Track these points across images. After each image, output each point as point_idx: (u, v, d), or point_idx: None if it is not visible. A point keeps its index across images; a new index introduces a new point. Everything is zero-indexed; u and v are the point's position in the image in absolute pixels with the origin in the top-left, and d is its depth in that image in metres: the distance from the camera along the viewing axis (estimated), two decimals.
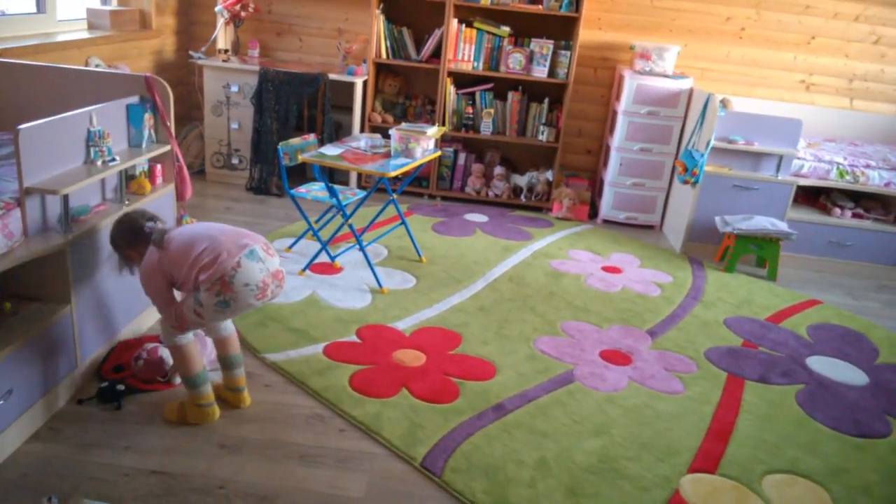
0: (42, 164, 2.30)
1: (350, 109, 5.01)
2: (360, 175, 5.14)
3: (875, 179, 4.53)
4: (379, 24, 4.94)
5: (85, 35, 4.10)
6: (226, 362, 2.50)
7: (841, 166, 4.52)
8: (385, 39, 5.00)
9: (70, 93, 2.87)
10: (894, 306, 4.21)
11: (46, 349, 2.29)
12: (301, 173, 5.07)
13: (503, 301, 3.61)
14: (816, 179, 4.55)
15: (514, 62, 4.96)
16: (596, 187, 5.42)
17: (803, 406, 2.91)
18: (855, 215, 4.65)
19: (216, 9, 5.03)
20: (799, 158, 4.49)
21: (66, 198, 2.34)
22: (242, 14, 5.05)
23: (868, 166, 4.53)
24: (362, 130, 5.11)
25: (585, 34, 5.11)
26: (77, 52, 3.91)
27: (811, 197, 4.85)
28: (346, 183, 5.06)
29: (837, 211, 4.64)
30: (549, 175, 5.17)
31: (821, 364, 3.30)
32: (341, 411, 2.53)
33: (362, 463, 2.28)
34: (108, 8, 4.46)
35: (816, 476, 2.46)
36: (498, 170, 5.25)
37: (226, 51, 5.11)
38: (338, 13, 5.30)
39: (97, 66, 3.91)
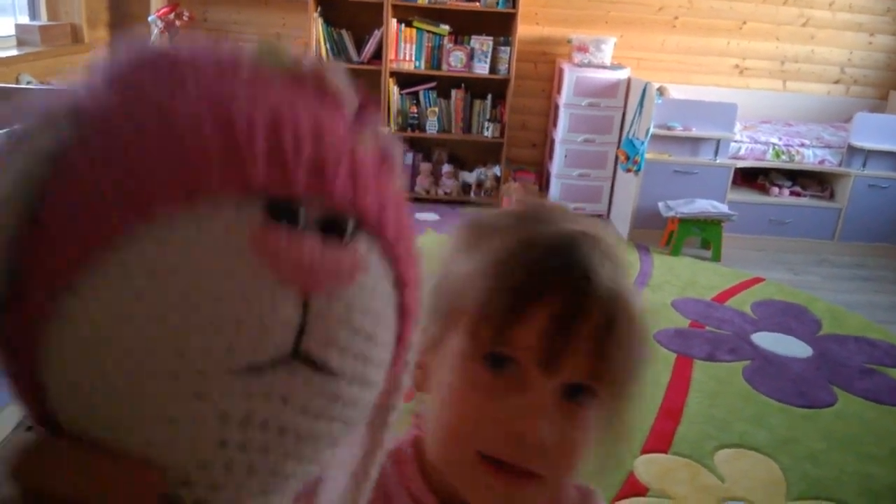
0: None
1: None
2: None
3: (810, 157, 4.68)
4: (317, 26, 4.92)
5: (14, 52, 4.00)
6: None
7: (777, 146, 4.66)
8: (324, 42, 4.98)
9: None
10: (834, 279, 4.35)
11: None
12: None
13: None
14: (754, 161, 4.68)
15: (455, 60, 4.99)
16: (543, 180, 5.48)
17: (750, 381, 3.00)
18: (792, 193, 4.80)
19: (149, 19, 4.94)
20: (736, 141, 4.62)
21: None
22: (177, 23, 4.98)
23: (803, 145, 4.68)
24: None
25: (524, 29, 5.16)
26: (6, 70, 3.81)
27: (749, 178, 4.99)
28: None
29: (775, 190, 4.78)
30: (496, 170, 5.22)
31: (765, 339, 3.41)
32: None
33: None
34: (37, 23, 4.35)
35: (765, 448, 2.54)
36: (446, 168, 5.27)
37: None
38: (275, 17, 5.26)
39: (28, 82, 3.82)
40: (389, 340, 0.39)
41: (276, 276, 0.32)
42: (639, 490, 2.26)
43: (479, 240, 0.61)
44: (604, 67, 4.90)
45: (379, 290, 0.37)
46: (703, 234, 4.47)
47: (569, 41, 5.05)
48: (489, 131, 5.12)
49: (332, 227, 0.35)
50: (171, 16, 4.94)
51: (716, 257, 4.46)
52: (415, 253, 0.44)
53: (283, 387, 0.32)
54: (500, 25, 5.07)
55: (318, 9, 4.93)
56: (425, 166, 5.25)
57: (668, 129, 4.54)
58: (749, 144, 4.65)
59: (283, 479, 0.36)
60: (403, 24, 4.98)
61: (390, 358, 0.40)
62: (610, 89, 4.87)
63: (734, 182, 4.69)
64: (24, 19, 4.45)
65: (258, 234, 0.32)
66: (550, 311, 0.54)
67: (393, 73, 5.05)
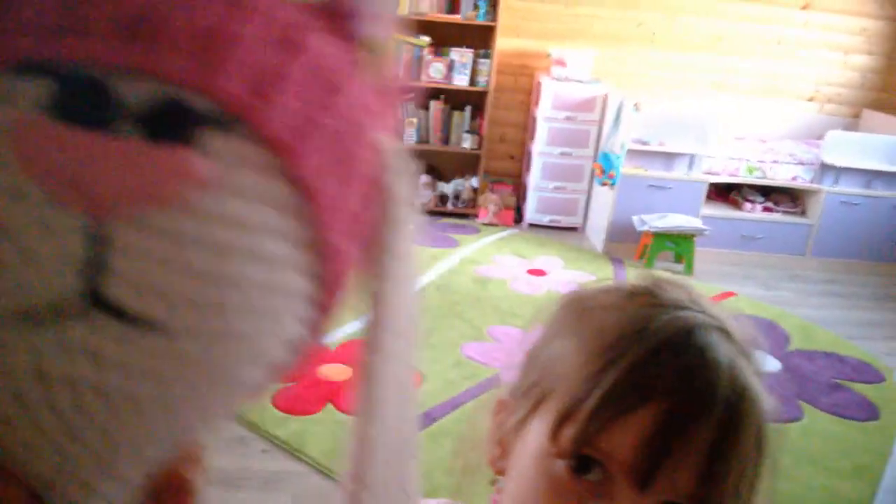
0: None
1: None
2: None
3: (783, 174, 4.75)
4: None
5: None
6: None
7: (750, 162, 4.72)
8: None
9: None
10: (805, 294, 4.41)
11: None
12: None
13: (430, 310, 3.63)
14: (727, 176, 4.74)
15: (434, 71, 5.01)
16: (520, 192, 5.50)
17: None
18: (765, 209, 4.86)
19: None
20: (710, 157, 4.67)
21: None
22: None
23: (776, 161, 4.75)
24: None
25: (504, 42, 5.19)
26: None
27: (723, 193, 5.04)
28: None
29: (748, 205, 4.84)
30: (474, 182, 5.23)
31: None
32: (264, 432, 2.51)
33: (288, 483, 2.27)
34: None
35: None
36: (424, 178, 5.28)
37: None
38: None
39: None
40: (283, 283, 0.32)
41: (49, 190, 0.25)
42: None
43: (579, 317, 0.53)
44: (582, 82, 4.94)
45: (252, 216, 0.29)
46: (676, 248, 4.51)
47: (548, 55, 5.08)
48: (468, 143, 5.14)
49: (176, 121, 0.27)
50: None
51: (688, 271, 4.50)
52: (353, 181, 0.35)
53: (83, 340, 0.26)
54: (481, 38, 5.10)
55: None
56: None
57: (644, 143, 4.58)
58: (723, 160, 4.71)
59: (128, 449, 0.30)
60: None
61: (292, 303, 0.34)
62: (587, 103, 4.91)
63: (707, 197, 4.74)
64: None
65: (29, 126, 0.24)
66: (653, 419, 0.44)
67: None
